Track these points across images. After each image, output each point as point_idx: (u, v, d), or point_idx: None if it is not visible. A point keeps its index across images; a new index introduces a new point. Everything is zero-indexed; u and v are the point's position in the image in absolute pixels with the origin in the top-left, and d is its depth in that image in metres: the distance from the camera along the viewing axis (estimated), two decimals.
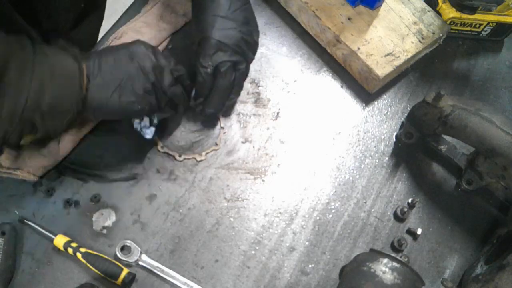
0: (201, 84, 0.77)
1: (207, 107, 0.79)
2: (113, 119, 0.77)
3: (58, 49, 0.65)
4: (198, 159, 0.80)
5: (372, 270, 0.65)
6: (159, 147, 0.80)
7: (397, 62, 0.87)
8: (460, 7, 0.93)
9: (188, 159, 0.80)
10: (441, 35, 0.91)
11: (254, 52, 0.82)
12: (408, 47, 0.88)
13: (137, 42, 0.71)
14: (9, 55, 0.58)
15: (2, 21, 0.70)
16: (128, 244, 0.72)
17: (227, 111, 0.85)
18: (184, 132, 0.83)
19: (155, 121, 0.77)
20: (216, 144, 0.82)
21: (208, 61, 0.77)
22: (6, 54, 0.58)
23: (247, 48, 0.79)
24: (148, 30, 0.89)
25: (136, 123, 0.77)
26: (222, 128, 0.84)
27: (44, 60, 0.62)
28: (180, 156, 0.80)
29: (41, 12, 0.78)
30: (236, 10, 0.79)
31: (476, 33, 0.98)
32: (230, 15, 0.78)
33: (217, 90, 0.78)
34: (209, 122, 0.84)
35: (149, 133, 0.77)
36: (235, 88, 0.80)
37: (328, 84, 0.91)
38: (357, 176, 0.83)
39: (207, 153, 0.81)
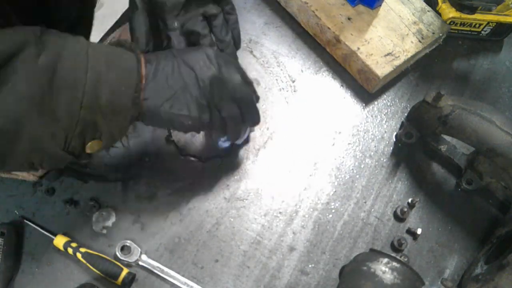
0: (178, 48, 0.69)
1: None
2: (161, 127, 0.72)
3: (113, 44, 0.61)
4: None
5: (372, 270, 0.65)
6: (180, 154, 0.80)
7: (397, 62, 0.87)
8: (460, 7, 0.93)
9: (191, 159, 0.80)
10: (441, 35, 0.91)
11: None
12: (408, 47, 0.88)
13: (201, 48, 0.64)
14: (62, 46, 0.54)
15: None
16: (128, 244, 0.72)
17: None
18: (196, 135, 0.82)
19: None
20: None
21: (175, 23, 0.69)
22: (60, 45, 0.54)
23: None
24: None
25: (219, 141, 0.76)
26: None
27: (99, 50, 0.57)
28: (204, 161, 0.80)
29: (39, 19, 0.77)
30: None
31: (476, 33, 0.98)
32: None
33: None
34: None
35: (224, 145, 0.76)
36: (222, 34, 0.72)
37: (328, 84, 0.91)
38: (357, 176, 0.83)
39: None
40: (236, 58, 0.76)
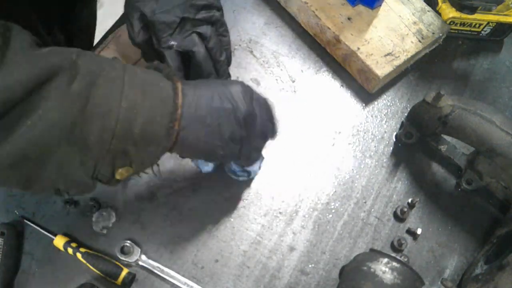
0: (172, 66, 0.71)
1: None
2: (191, 157, 0.71)
3: (150, 69, 0.60)
4: None
5: (372, 270, 0.65)
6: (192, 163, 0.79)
7: (397, 62, 0.87)
8: (460, 7, 0.93)
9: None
10: (441, 35, 0.91)
11: (219, 16, 0.74)
12: (408, 47, 0.88)
13: (236, 82, 0.64)
14: (97, 73, 0.52)
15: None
16: (128, 244, 0.72)
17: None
18: None
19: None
20: None
21: (169, 40, 0.71)
22: (94, 72, 0.52)
23: (207, 13, 0.72)
24: None
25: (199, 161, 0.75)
26: None
27: (135, 78, 0.55)
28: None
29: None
30: None
31: (476, 33, 0.98)
32: None
33: (197, 65, 0.72)
34: None
35: (205, 169, 0.76)
36: (217, 55, 0.73)
37: (328, 84, 0.91)
38: (357, 176, 0.83)
39: None
40: (230, 76, 0.79)
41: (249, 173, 0.77)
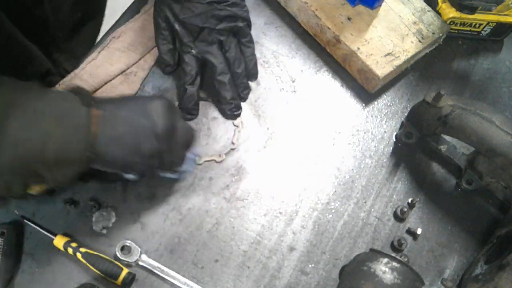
0: (187, 68, 0.75)
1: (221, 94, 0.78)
2: (109, 171, 0.72)
3: (69, 93, 0.61)
4: (218, 160, 0.80)
5: (372, 270, 0.65)
6: None
7: (397, 62, 0.87)
8: (460, 7, 0.93)
9: (208, 161, 0.81)
10: (441, 35, 0.91)
11: (244, 26, 0.78)
12: (408, 47, 0.88)
13: (157, 99, 0.67)
14: (11, 103, 0.55)
15: (2, 37, 0.69)
16: (128, 244, 0.72)
17: (245, 94, 0.83)
18: (200, 129, 0.83)
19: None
20: (233, 143, 0.82)
21: (190, 47, 0.74)
22: (8, 102, 0.55)
23: (228, 24, 0.76)
24: (147, 30, 0.88)
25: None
26: (237, 126, 0.84)
27: (49, 107, 0.57)
28: (200, 159, 0.80)
29: (39, 25, 0.77)
30: None
31: (476, 33, 0.98)
32: None
33: (214, 76, 0.76)
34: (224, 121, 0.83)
35: (130, 176, 0.73)
36: (234, 65, 0.78)
37: (327, 84, 0.91)
38: (357, 176, 0.83)
39: (206, 160, 0.81)
40: (248, 88, 0.84)
41: (180, 173, 0.76)
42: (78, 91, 0.62)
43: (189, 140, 0.71)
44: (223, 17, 0.77)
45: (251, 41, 0.82)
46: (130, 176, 0.71)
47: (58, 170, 0.58)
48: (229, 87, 0.80)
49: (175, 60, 0.81)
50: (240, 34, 0.80)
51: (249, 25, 0.81)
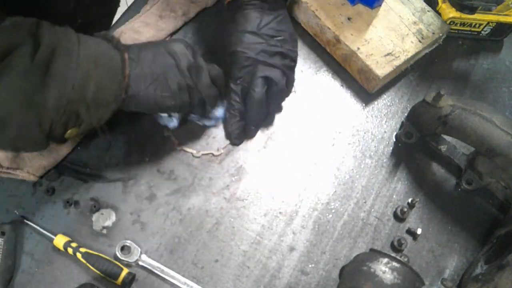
0: (232, 94, 0.80)
1: (248, 122, 0.82)
2: (147, 112, 0.76)
3: (101, 39, 0.65)
4: (216, 154, 0.81)
5: (372, 270, 0.65)
6: (176, 145, 0.81)
7: (397, 62, 0.87)
8: (460, 7, 0.93)
9: (206, 155, 0.81)
10: (441, 35, 0.91)
11: (290, 67, 0.81)
12: (408, 47, 0.88)
13: (178, 40, 0.72)
14: (56, 44, 0.58)
15: None
16: (128, 244, 0.72)
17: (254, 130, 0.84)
18: (196, 137, 0.83)
19: (180, 117, 0.78)
20: (218, 149, 0.82)
21: (238, 75, 0.79)
22: (53, 44, 0.58)
23: (279, 61, 0.79)
24: (147, 30, 0.89)
25: (163, 117, 0.77)
26: None
27: (88, 50, 0.61)
28: (198, 152, 0.81)
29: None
30: (268, 24, 0.79)
31: (476, 33, 0.98)
32: (260, 31, 0.79)
33: (250, 106, 0.79)
34: (226, 119, 0.83)
35: (171, 124, 0.78)
36: (271, 104, 0.81)
37: (327, 84, 0.91)
38: (357, 176, 0.83)
39: (204, 154, 0.81)
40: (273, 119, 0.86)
41: (215, 119, 0.81)
42: (107, 37, 0.66)
43: (216, 78, 0.74)
44: (275, 53, 0.79)
45: (291, 85, 0.83)
46: (167, 120, 0.76)
47: (95, 110, 0.63)
48: (260, 117, 0.83)
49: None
50: (287, 72, 0.80)
51: (295, 66, 0.82)
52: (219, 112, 0.80)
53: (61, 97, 0.58)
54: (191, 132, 0.83)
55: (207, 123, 0.81)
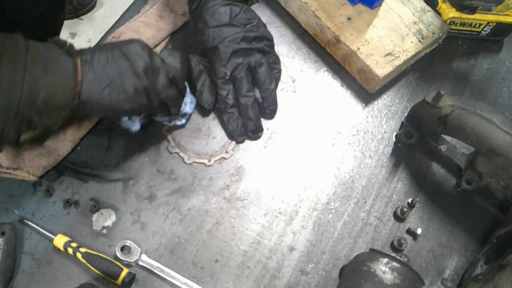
0: (223, 94, 0.81)
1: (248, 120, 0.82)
2: (104, 115, 0.76)
3: (52, 44, 0.65)
4: (207, 164, 0.80)
5: (372, 270, 0.65)
6: (169, 148, 0.80)
7: (397, 62, 0.87)
8: (460, 7, 0.93)
9: (197, 163, 0.80)
10: (441, 35, 0.91)
11: (270, 45, 0.84)
12: (408, 47, 0.88)
13: (133, 41, 0.70)
14: (1, 52, 0.58)
15: None
16: (128, 244, 0.72)
17: (272, 111, 0.85)
18: (196, 136, 0.83)
19: (142, 121, 0.76)
20: (227, 152, 0.82)
21: (223, 72, 0.80)
22: (0, 51, 0.58)
23: (258, 44, 0.81)
24: (147, 30, 0.89)
25: (124, 121, 0.75)
26: None
27: (37, 56, 0.61)
28: (189, 159, 0.80)
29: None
30: (238, 15, 0.82)
31: (476, 33, 0.98)
32: (234, 21, 0.81)
33: (241, 95, 0.81)
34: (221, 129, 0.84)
35: (134, 128, 0.75)
36: (266, 83, 0.82)
37: (327, 84, 0.91)
38: (357, 176, 0.83)
39: (216, 160, 0.81)
40: (276, 104, 0.86)
41: (183, 117, 0.80)
42: (59, 42, 0.66)
43: (175, 78, 0.72)
44: (253, 38, 0.82)
45: (277, 59, 0.86)
46: (129, 124, 0.74)
47: (47, 115, 0.62)
48: (251, 108, 0.82)
49: (213, 92, 0.83)
50: (268, 53, 0.84)
51: (273, 45, 0.86)
52: (186, 108, 0.79)
53: (9, 104, 0.58)
54: (190, 133, 0.83)
55: (177, 122, 0.79)
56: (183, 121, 0.80)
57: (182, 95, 0.77)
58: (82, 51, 0.66)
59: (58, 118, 0.64)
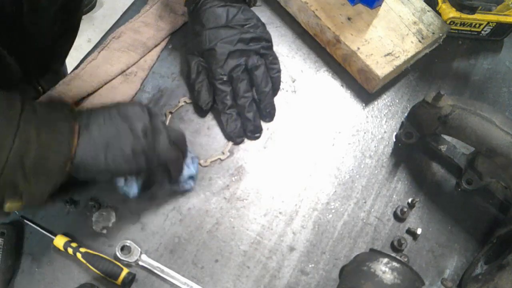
0: (221, 95, 0.81)
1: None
2: (101, 178, 0.72)
3: (49, 107, 0.62)
4: (203, 164, 0.80)
5: (372, 270, 0.65)
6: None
7: (397, 62, 0.87)
8: (460, 7, 0.93)
9: (213, 161, 0.81)
10: (441, 35, 0.91)
11: (267, 46, 0.84)
12: (408, 47, 0.88)
13: (132, 103, 0.67)
14: None
15: None
16: (128, 244, 0.72)
17: (270, 113, 0.85)
18: (196, 137, 0.83)
19: (139, 181, 0.71)
20: (223, 153, 0.82)
21: (220, 73, 0.80)
22: None
23: (255, 45, 0.81)
24: (147, 30, 0.89)
25: (119, 182, 0.71)
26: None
27: (32, 118, 0.57)
28: (205, 161, 0.80)
29: (17, 36, 0.75)
30: (235, 16, 0.82)
31: (476, 33, 0.98)
32: (231, 23, 0.81)
33: (239, 96, 0.81)
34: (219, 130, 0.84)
35: (131, 192, 0.71)
36: (261, 85, 0.83)
37: (327, 84, 0.91)
38: (357, 176, 0.83)
39: (212, 161, 0.81)
40: (274, 107, 0.86)
41: (186, 182, 0.76)
42: (58, 106, 0.63)
43: (178, 141, 0.70)
44: (250, 39, 0.82)
45: (275, 59, 0.86)
46: (127, 188, 0.70)
47: (36, 182, 0.57)
48: (249, 109, 0.82)
49: (211, 93, 0.83)
50: (266, 54, 0.84)
51: (271, 46, 0.86)
52: (189, 171, 0.74)
53: None
54: (190, 133, 0.83)
55: (180, 187, 0.76)
56: (192, 183, 0.77)
57: (183, 158, 0.72)
58: (80, 113, 0.63)
59: (46, 185, 0.59)
